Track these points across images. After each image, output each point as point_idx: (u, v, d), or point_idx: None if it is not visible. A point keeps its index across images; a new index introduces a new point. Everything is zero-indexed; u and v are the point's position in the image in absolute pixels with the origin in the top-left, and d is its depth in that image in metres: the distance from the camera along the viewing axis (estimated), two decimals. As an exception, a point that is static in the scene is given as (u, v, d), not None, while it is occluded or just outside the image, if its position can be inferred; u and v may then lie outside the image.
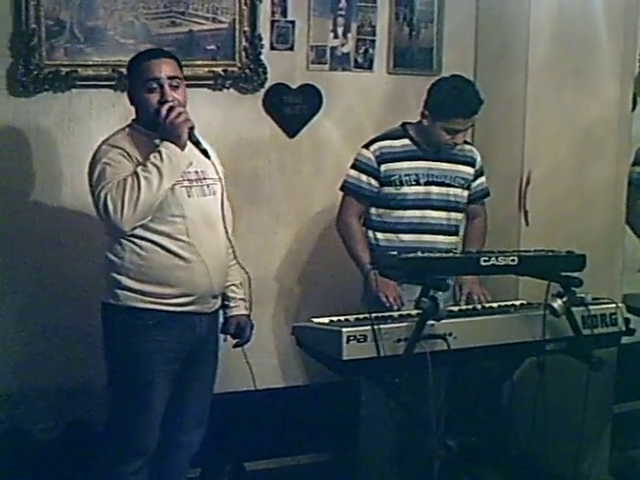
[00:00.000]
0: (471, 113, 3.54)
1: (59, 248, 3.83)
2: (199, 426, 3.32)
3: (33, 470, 3.66)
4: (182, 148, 2.97)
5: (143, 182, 2.87)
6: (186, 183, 3.04)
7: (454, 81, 3.62)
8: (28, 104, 3.73)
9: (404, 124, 3.70)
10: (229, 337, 3.36)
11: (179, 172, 2.98)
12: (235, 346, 3.36)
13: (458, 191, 3.69)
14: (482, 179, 3.81)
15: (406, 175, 3.60)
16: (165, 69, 3.01)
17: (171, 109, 2.97)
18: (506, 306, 3.27)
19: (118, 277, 3.03)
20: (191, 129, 3.00)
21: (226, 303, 3.33)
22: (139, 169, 2.91)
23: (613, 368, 3.94)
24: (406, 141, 3.65)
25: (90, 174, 3.00)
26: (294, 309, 4.32)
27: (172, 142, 2.95)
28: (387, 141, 3.65)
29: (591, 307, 3.04)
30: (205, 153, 3.08)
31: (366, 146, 3.66)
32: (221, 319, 3.34)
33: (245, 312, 3.35)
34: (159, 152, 2.93)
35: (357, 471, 3.84)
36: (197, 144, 3.05)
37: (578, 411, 3.24)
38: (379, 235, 3.66)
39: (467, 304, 3.55)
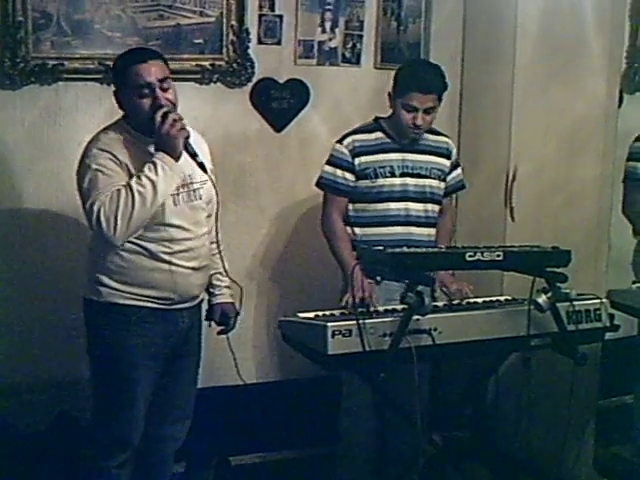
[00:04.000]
0: (427, 89, 3.46)
1: (46, 242, 3.82)
2: (184, 420, 3.32)
3: (19, 464, 3.65)
4: (177, 160, 2.93)
5: (137, 197, 2.83)
6: (174, 191, 3.00)
7: (416, 61, 3.67)
8: (14, 97, 3.71)
9: (377, 118, 3.69)
10: (213, 324, 3.37)
11: (174, 185, 2.95)
12: (219, 333, 3.37)
13: (434, 182, 3.66)
14: (458, 171, 3.79)
15: (381, 167, 3.58)
16: (156, 72, 2.94)
17: (165, 116, 2.91)
18: (491, 301, 3.28)
19: (100, 276, 3.02)
20: (186, 138, 2.96)
21: (211, 291, 3.33)
22: (133, 182, 2.86)
23: (597, 363, 3.96)
24: (379, 134, 3.63)
25: (80, 178, 2.96)
26: (280, 303, 4.32)
27: (167, 153, 2.90)
28: (360, 135, 3.63)
29: (576, 303, 3.05)
30: (202, 166, 3.03)
31: (339, 141, 3.64)
32: (206, 307, 3.35)
33: (230, 300, 3.36)
34: (154, 164, 2.88)
35: (339, 465, 3.84)
36: (193, 156, 3.01)
37: (563, 406, 3.25)
38: (357, 230, 3.62)
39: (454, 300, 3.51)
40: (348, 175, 3.60)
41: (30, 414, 3.83)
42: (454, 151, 3.76)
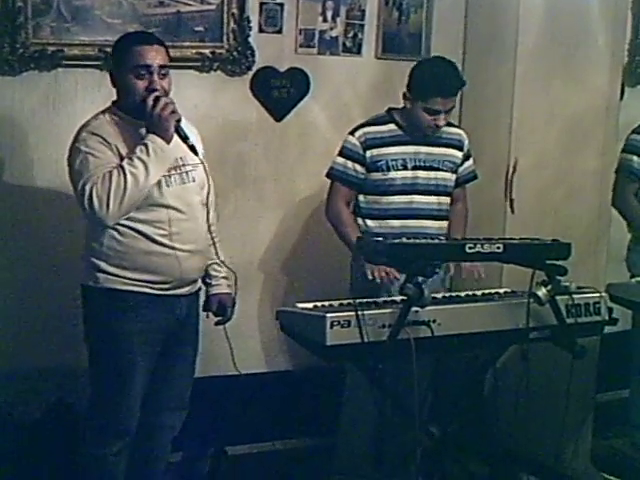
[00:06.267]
0: (450, 93, 3.49)
1: (44, 228, 3.80)
2: (180, 408, 3.32)
3: (15, 451, 3.64)
4: (168, 142, 2.94)
5: (129, 177, 2.85)
6: (165, 172, 3.01)
7: (434, 61, 3.62)
8: (13, 83, 3.69)
9: (390, 109, 3.68)
10: (211, 315, 3.36)
11: (165, 167, 2.97)
12: (217, 324, 3.36)
13: (447, 175, 3.67)
14: (470, 162, 3.79)
15: (393, 160, 3.58)
16: (157, 57, 2.97)
17: (157, 99, 2.93)
18: (490, 294, 3.27)
19: (97, 262, 3.03)
20: (177, 122, 2.97)
21: (208, 281, 3.33)
22: (125, 163, 2.88)
23: (595, 357, 3.95)
24: (392, 126, 3.62)
25: (70, 162, 2.98)
26: (278, 294, 4.31)
27: (159, 135, 2.92)
28: (373, 127, 3.62)
29: (575, 296, 3.04)
30: (193, 149, 3.04)
31: (352, 132, 3.64)
32: (203, 297, 3.34)
33: (227, 290, 3.35)
34: (146, 146, 2.90)
35: (336, 455, 3.84)
36: (185, 139, 3.02)
37: (561, 400, 3.25)
38: (369, 222, 3.64)
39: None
40: (358, 167, 3.60)
41: (26, 401, 3.82)
42: (466, 142, 3.75)
